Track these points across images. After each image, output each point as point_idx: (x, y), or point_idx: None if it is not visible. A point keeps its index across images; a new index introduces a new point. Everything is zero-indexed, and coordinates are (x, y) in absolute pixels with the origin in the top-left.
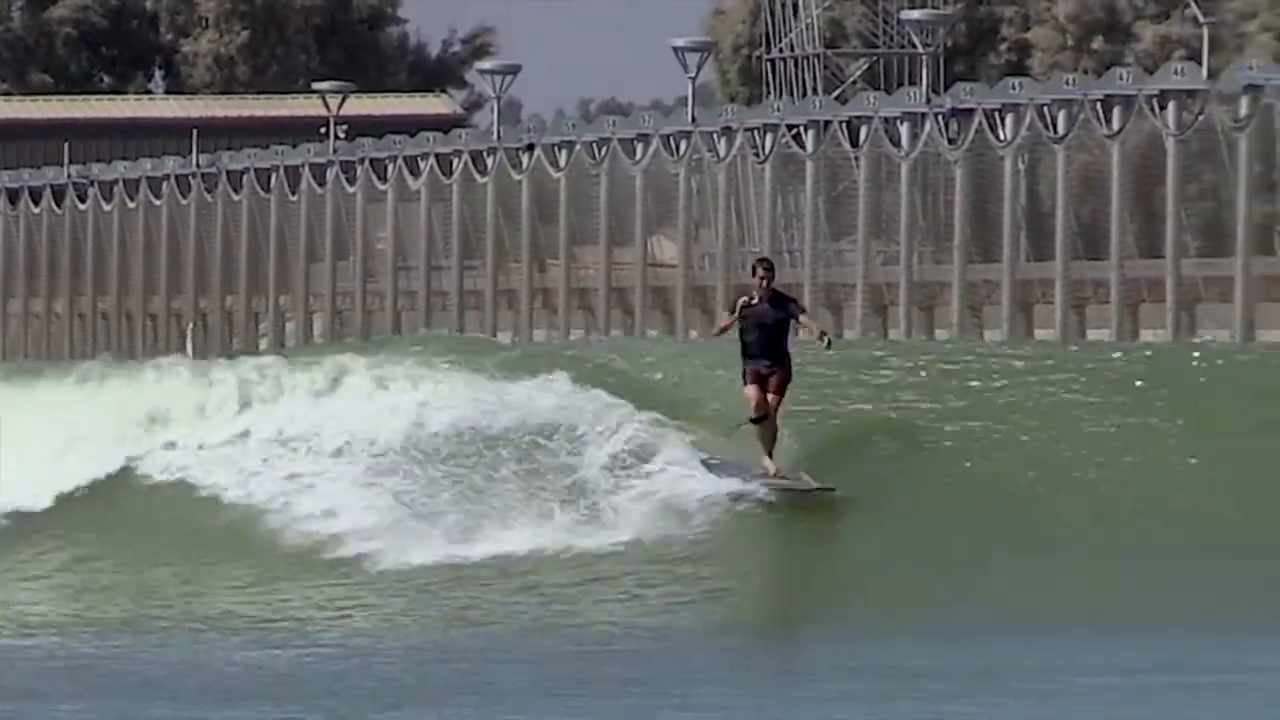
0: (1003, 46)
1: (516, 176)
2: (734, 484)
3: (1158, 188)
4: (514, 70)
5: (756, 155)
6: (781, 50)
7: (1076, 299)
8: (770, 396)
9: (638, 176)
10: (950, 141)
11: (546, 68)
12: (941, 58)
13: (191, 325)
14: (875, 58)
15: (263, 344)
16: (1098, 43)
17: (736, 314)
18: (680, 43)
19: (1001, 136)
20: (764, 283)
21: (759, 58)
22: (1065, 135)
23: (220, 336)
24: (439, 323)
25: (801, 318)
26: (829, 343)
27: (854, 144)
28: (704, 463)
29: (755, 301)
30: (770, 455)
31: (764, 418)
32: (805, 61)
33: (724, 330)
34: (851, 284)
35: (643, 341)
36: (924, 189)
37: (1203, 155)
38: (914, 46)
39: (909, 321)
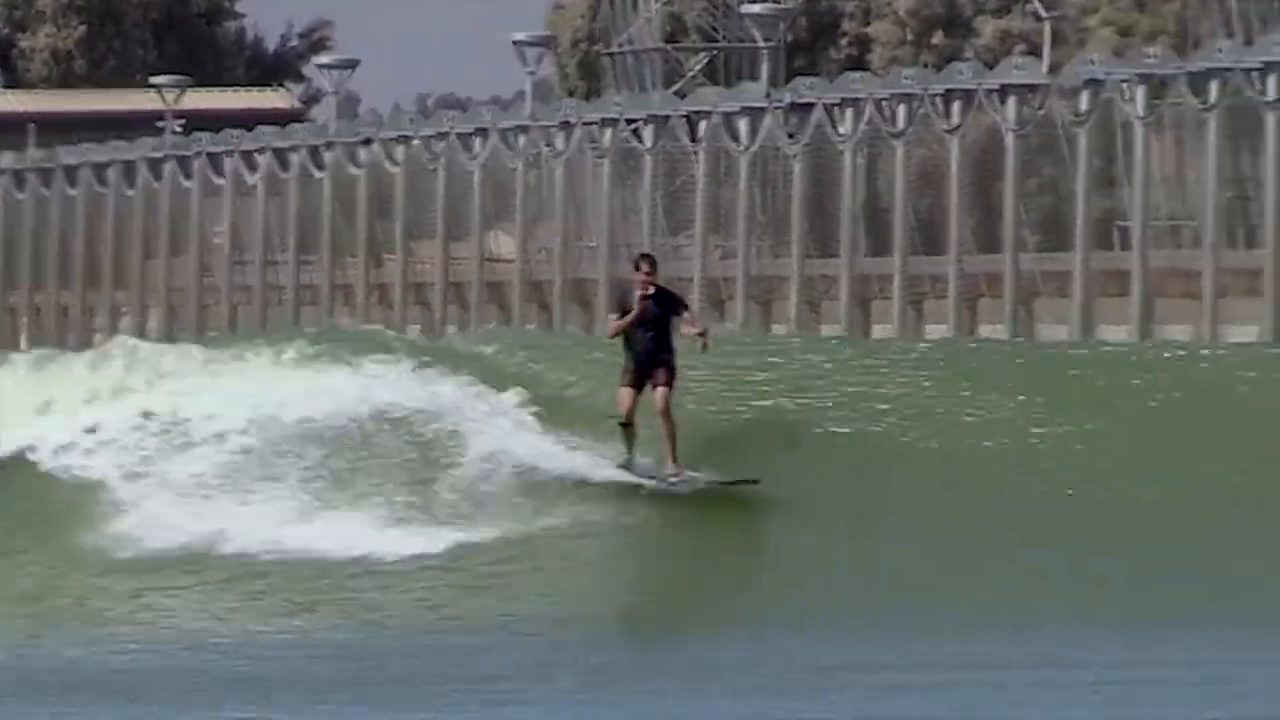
0: (843, 41)
1: (353, 171)
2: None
3: (997, 182)
4: (352, 64)
5: (595, 150)
6: (621, 44)
7: (914, 294)
8: (658, 390)
9: (475, 171)
10: (789, 136)
11: (384, 62)
12: (782, 52)
13: (26, 319)
14: (715, 52)
15: (97, 339)
16: (938, 37)
17: (636, 313)
18: (520, 37)
19: (841, 131)
20: (649, 281)
21: (598, 52)
22: (905, 130)
23: (55, 331)
24: (274, 318)
25: (685, 314)
26: (704, 345)
27: (693, 138)
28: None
29: (646, 296)
30: (673, 454)
31: (629, 424)
32: (645, 56)
33: (619, 332)
34: (689, 278)
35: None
36: (763, 183)
37: (1042, 150)
38: (754, 41)
39: (746, 316)
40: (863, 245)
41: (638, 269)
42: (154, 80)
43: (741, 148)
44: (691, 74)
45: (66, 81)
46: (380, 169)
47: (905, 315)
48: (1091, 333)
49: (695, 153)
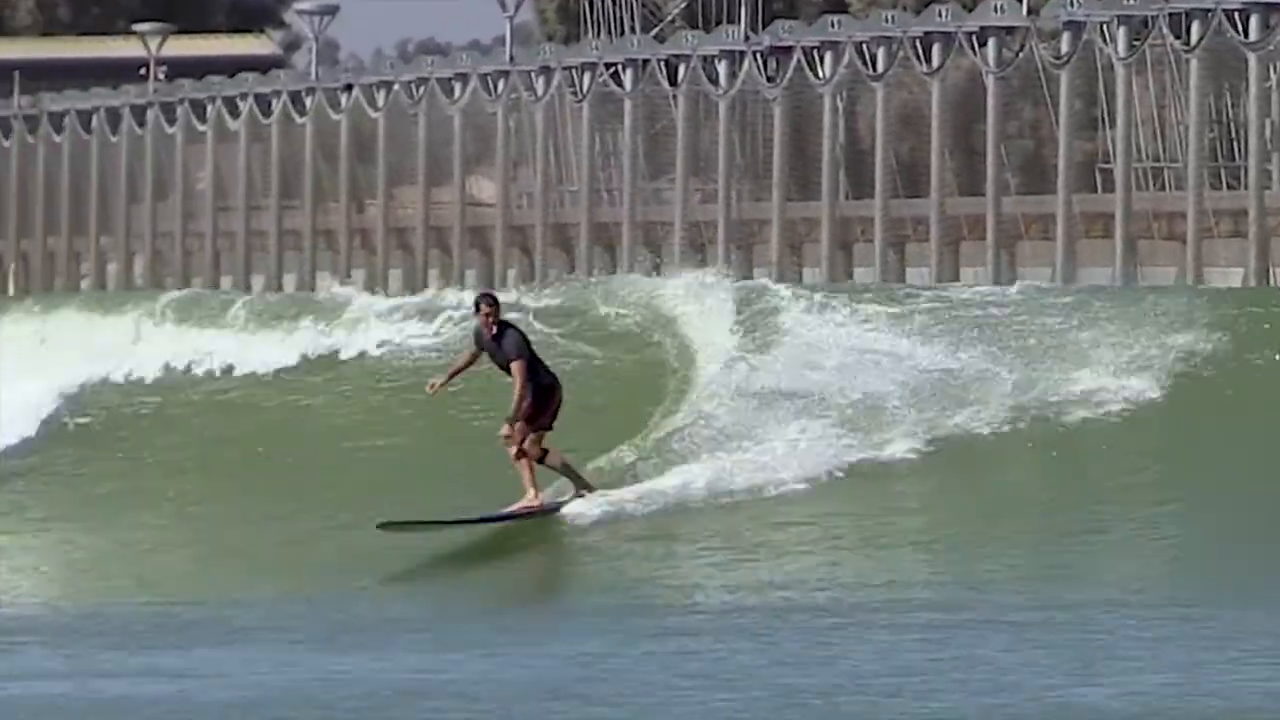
0: None
1: (335, 116)
2: None
3: (977, 125)
4: (332, 10)
5: (574, 94)
6: None
7: (896, 237)
8: (525, 427)
9: (456, 116)
10: (769, 79)
11: (364, 7)
12: None
13: (14, 266)
14: None
15: (84, 285)
16: None
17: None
18: None
19: (820, 74)
20: (490, 319)
21: None
22: (884, 73)
23: (42, 277)
24: (258, 264)
25: (513, 365)
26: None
27: (672, 82)
28: None
29: (493, 337)
30: (576, 479)
31: (520, 454)
32: (623, 0)
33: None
34: (670, 222)
35: None
36: (742, 127)
37: (1023, 92)
38: None
39: (728, 259)
40: (843, 188)
41: (477, 309)
42: (137, 27)
43: (721, 91)
44: (670, 18)
45: (51, 29)
46: (361, 114)
47: (886, 258)
48: (1074, 275)
49: (674, 96)
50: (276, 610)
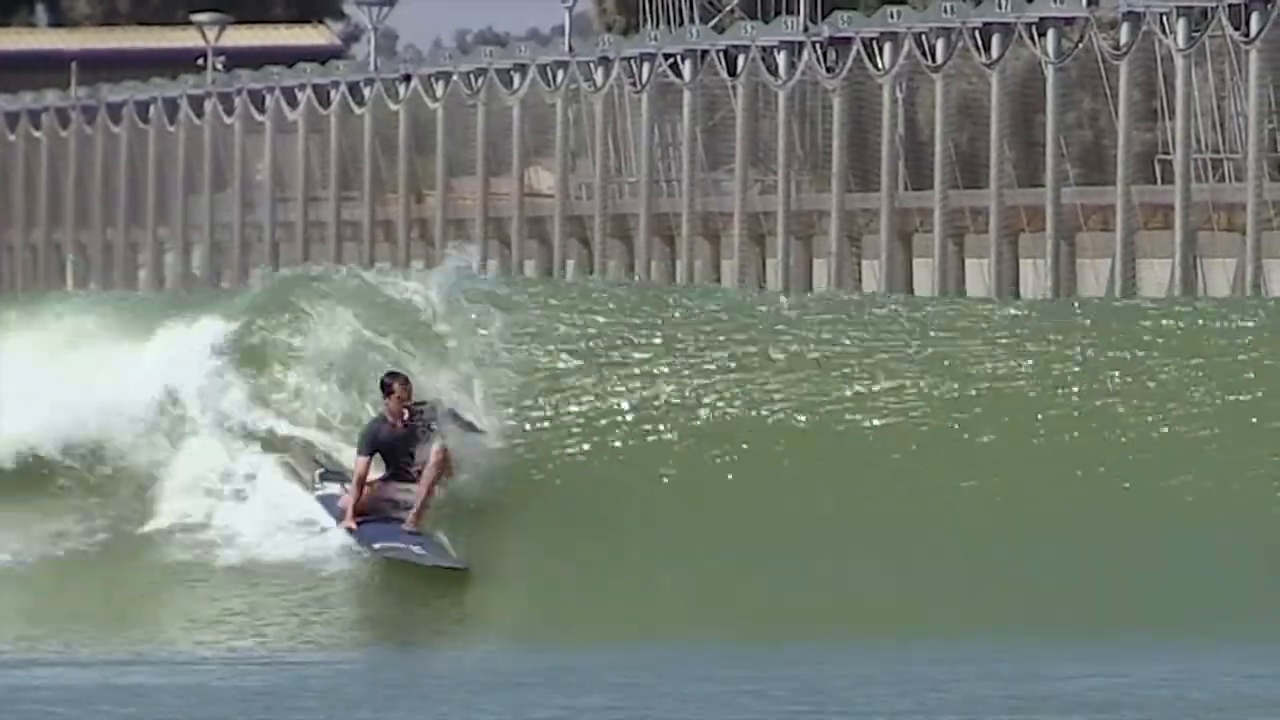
0: None
1: (393, 107)
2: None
3: (1037, 116)
4: (390, 1)
5: (634, 85)
6: None
7: (955, 228)
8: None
9: (514, 107)
10: (828, 70)
11: None
12: None
13: (71, 257)
14: None
15: (141, 275)
16: None
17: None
18: None
19: (880, 65)
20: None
21: None
22: (943, 63)
23: (100, 268)
24: (316, 254)
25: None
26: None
27: (731, 73)
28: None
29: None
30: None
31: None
32: None
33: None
34: (729, 213)
35: None
36: (802, 118)
37: (1082, 83)
38: None
39: (787, 250)
40: (903, 179)
41: (388, 393)
42: (195, 18)
43: (780, 82)
44: (729, 8)
45: (109, 19)
46: (420, 105)
47: (946, 249)
48: (1132, 265)
49: (734, 87)
50: None
